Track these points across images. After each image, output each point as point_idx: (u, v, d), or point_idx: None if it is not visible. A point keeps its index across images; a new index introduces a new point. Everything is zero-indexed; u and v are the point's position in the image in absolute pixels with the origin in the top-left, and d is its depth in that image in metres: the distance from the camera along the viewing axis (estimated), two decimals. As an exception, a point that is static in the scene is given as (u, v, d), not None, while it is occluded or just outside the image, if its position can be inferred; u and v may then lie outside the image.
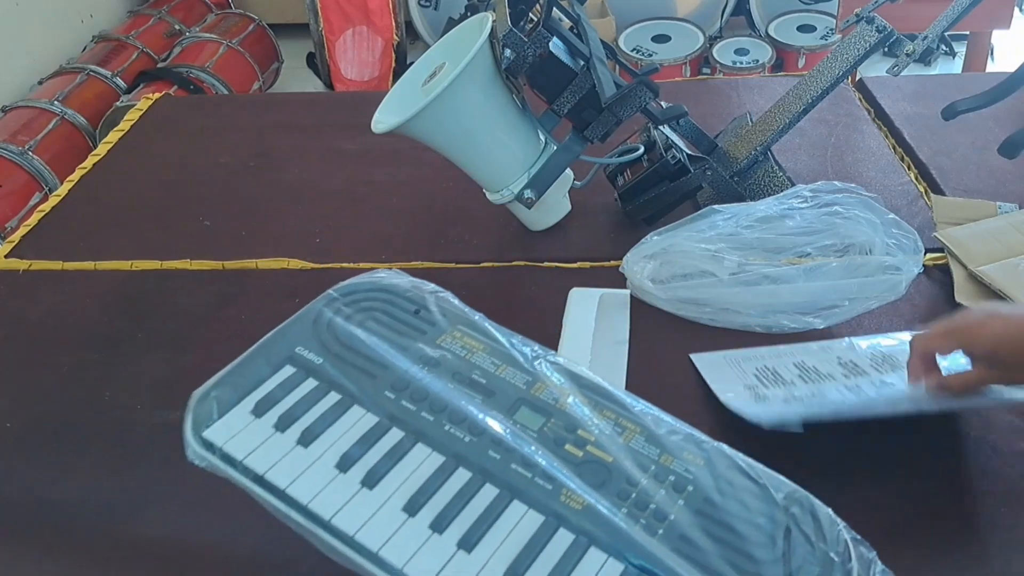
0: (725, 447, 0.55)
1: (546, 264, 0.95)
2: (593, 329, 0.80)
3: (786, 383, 0.73)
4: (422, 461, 0.54)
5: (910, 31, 0.88)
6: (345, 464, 0.54)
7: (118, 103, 2.42)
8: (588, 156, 0.93)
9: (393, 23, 2.89)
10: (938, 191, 1.04)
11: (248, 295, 0.94)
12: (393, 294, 0.64)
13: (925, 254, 0.93)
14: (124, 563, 0.67)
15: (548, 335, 0.79)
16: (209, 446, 0.55)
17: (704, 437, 0.56)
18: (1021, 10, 2.60)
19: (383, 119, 0.92)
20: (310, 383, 0.58)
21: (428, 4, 3.09)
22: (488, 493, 0.52)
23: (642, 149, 0.97)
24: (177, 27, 2.94)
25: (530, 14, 0.92)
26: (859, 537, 0.52)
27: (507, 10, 0.86)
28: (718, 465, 0.54)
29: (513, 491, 0.52)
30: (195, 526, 0.69)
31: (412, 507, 0.52)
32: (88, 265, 1.00)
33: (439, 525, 0.51)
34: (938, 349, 0.66)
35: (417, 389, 0.57)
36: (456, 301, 0.65)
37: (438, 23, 3.06)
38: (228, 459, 0.54)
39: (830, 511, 0.53)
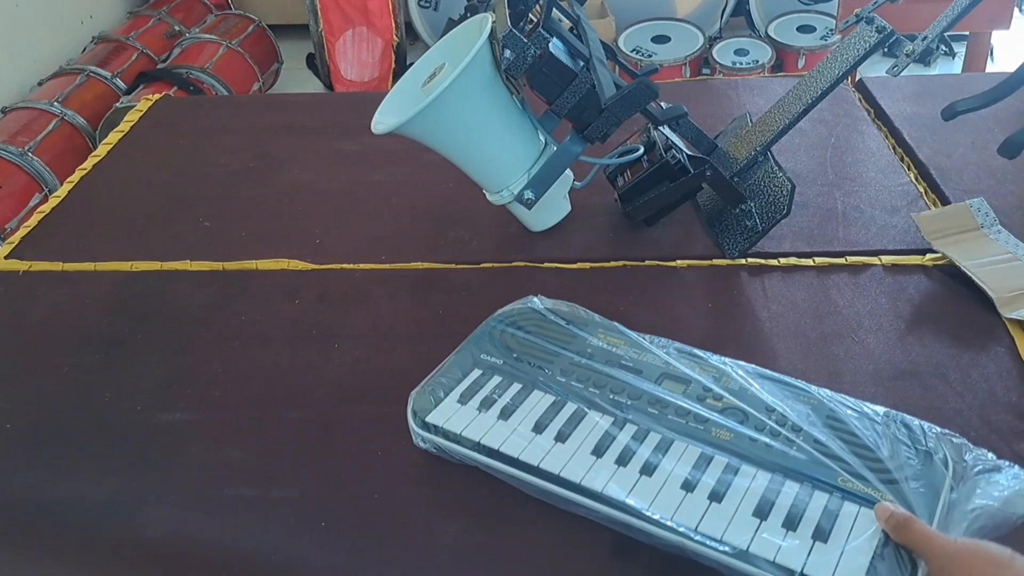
0: (825, 391, 0.71)
1: (546, 264, 0.95)
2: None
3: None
4: (597, 421, 0.69)
5: (910, 31, 0.88)
6: (539, 428, 0.69)
7: (118, 104, 2.42)
8: (588, 157, 0.93)
9: (393, 24, 2.89)
10: (938, 191, 1.04)
11: (248, 295, 0.94)
12: (544, 311, 0.82)
13: (925, 255, 0.94)
14: (124, 563, 0.67)
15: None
16: (431, 428, 0.70)
17: (809, 386, 0.71)
18: (1021, 10, 2.60)
19: (383, 120, 0.92)
20: (496, 378, 0.74)
21: (428, 5, 3.09)
22: (654, 437, 0.67)
23: (642, 150, 0.97)
24: (177, 28, 2.94)
25: (530, 15, 0.92)
26: (947, 431, 0.66)
27: (507, 11, 0.86)
28: (825, 402, 0.69)
29: (673, 433, 0.67)
30: (195, 526, 0.69)
31: (598, 451, 0.66)
32: (88, 266, 1.00)
33: (623, 460, 0.65)
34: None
35: (581, 373, 0.74)
36: (592, 314, 0.81)
37: (438, 24, 3.06)
38: (450, 435, 0.69)
39: (919, 421, 0.67)
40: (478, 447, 0.68)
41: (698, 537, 0.59)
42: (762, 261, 0.94)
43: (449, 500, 0.70)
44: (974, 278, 0.86)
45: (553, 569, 0.64)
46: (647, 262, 0.95)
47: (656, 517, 0.61)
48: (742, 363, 0.74)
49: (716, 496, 0.62)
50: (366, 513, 0.69)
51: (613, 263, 0.95)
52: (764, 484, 0.63)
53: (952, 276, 0.90)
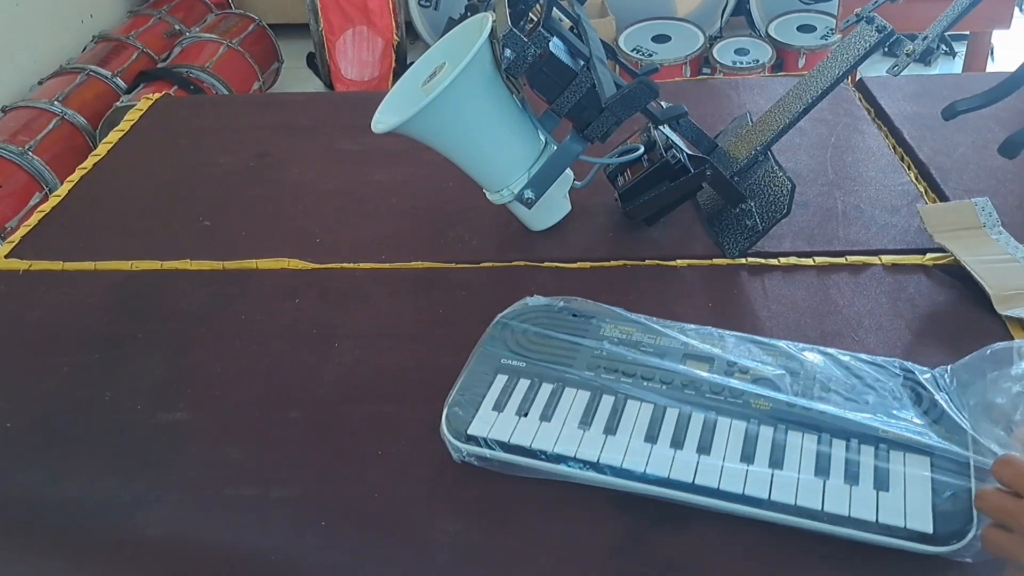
0: (830, 349, 0.75)
1: (546, 264, 0.95)
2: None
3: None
4: (639, 410, 0.70)
5: (910, 31, 0.88)
6: (585, 423, 0.69)
7: (118, 103, 2.42)
8: (588, 156, 0.93)
9: (393, 23, 2.89)
10: (938, 191, 1.04)
11: (248, 295, 0.94)
12: (548, 307, 0.81)
13: (925, 255, 0.93)
14: (124, 563, 0.67)
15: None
16: (473, 440, 0.69)
17: (814, 347, 0.75)
18: (1021, 10, 2.60)
19: (383, 119, 0.92)
20: (524, 381, 0.73)
21: (428, 4, 3.09)
22: (698, 418, 0.69)
23: (642, 149, 0.97)
24: (177, 27, 2.94)
25: (530, 14, 0.92)
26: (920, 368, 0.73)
27: (507, 10, 0.86)
28: (833, 358, 0.74)
29: (716, 412, 0.69)
30: (195, 526, 0.69)
31: (651, 437, 0.68)
32: (88, 265, 1.00)
33: (677, 443, 0.67)
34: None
35: (607, 365, 0.74)
36: (593, 303, 0.81)
37: (438, 23, 3.06)
38: (497, 444, 0.69)
39: (909, 364, 0.73)
40: (528, 451, 0.68)
41: (773, 505, 0.62)
42: (762, 261, 0.94)
43: (449, 500, 0.70)
44: (973, 274, 0.86)
45: (553, 569, 0.64)
46: (647, 262, 0.95)
47: (730, 492, 0.63)
48: (751, 336, 0.77)
49: (776, 463, 0.65)
50: (366, 513, 0.69)
51: (613, 263, 0.95)
52: (814, 446, 0.66)
53: (952, 276, 0.90)
